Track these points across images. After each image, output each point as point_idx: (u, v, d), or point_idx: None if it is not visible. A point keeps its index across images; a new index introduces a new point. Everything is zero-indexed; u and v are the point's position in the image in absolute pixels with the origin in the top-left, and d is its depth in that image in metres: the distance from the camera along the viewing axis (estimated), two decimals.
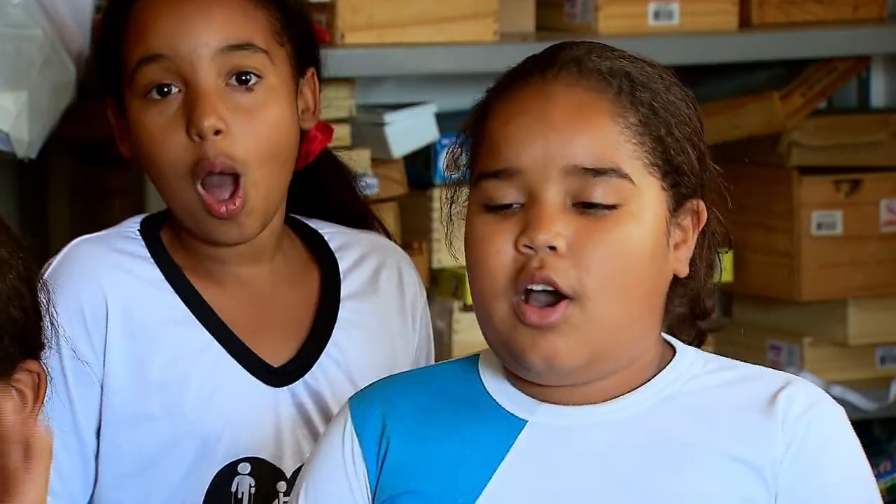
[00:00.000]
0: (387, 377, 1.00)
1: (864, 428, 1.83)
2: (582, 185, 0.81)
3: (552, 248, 0.79)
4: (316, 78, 1.15)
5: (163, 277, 1.12)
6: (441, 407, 0.95)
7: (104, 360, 1.12)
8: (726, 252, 1.00)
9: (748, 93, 1.82)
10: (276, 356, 1.11)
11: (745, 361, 1.74)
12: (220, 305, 1.13)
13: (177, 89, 1.06)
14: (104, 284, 1.13)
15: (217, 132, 1.04)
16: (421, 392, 0.96)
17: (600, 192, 0.79)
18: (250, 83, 1.08)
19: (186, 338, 1.12)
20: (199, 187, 1.04)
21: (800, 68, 1.79)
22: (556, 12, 1.75)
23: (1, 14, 1.60)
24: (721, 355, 1.68)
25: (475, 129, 0.87)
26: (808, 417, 0.82)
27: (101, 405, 1.13)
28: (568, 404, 0.86)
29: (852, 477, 0.85)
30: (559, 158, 0.80)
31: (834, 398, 1.60)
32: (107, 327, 1.11)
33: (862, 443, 1.63)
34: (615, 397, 0.86)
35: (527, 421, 0.88)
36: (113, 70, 1.11)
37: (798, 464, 0.83)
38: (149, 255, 1.14)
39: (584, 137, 0.82)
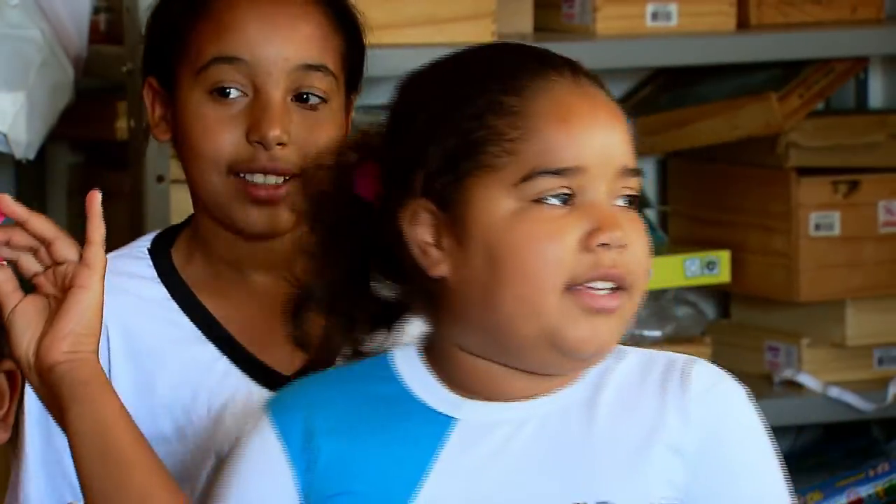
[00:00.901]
0: (300, 381, 0.98)
1: (863, 429, 1.91)
2: (624, 182, 0.86)
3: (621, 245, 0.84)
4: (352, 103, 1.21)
5: (168, 296, 1.14)
6: (365, 407, 0.95)
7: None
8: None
9: (746, 94, 1.82)
10: (288, 365, 1.07)
11: (744, 362, 1.68)
12: (228, 318, 1.14)
13: (244, 93, 1.11)
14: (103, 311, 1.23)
15: (279, 143, 1.08)
16: (343, 392, 0.97)
17: (635, 183, 0.85)
18: (315, 103, 1.12)
19: (193, 354, 1.13)
20: (241, 176, 1.09)
21: (797, 69, 1.79)
22: (555, 13, 1.76)
23: None
24: (720, 357, 1.74)
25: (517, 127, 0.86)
26: (714, 392, 0.87)
27: None
28: (492, 400, 0.88)
29: (755, 448, 0.89)
30: (617, 158, 0.84)
31: (832, 399, 1.63)
32: (109, 352, 1.11)
33: (859, 444, 1.65)
34: (543, 394, 0.89)
35: (457, 419, 0.90)
36: (169, 52, 1.11)
37: (706, 437, 0.87)
38: (155, 274, 1.15)
39: (624, 135, 0.85)
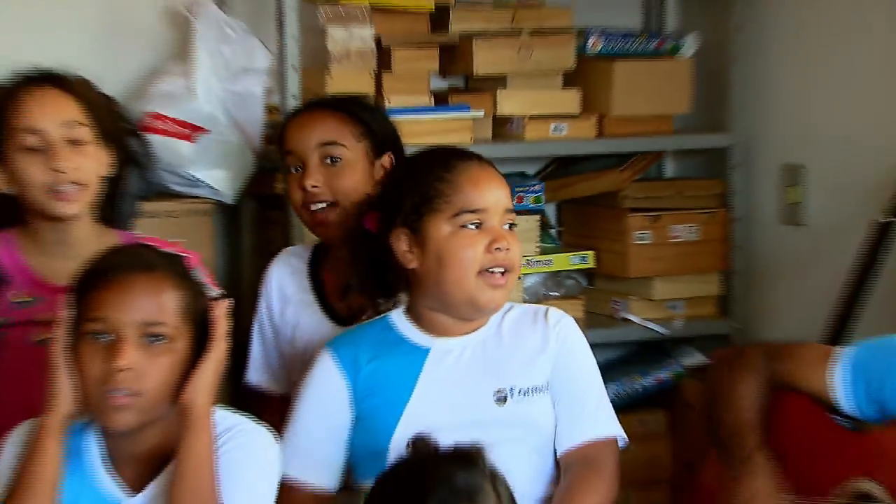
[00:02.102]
0: (344, 332, 1.49)
1: (658, 345, 2.44)
2: (508, 217, 1.35)
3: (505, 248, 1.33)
4: (392, 156, 1.66)
5: (307, 273, 1.73)
6: (380, 345, 1.41)
7: (271, 313, 1.76)
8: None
9: (603, 169, 2.41)
10: (345, 315, 1.65)
11: (602, 309, 2.41)
12: (329, 284, 1.70)
13: (300, 168, 1.66)
14: (272, 273, 1.77)
15: (314, 187, 1.64)
16: (369, 337, 1.43)
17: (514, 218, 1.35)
18: (337, 163, 1.66)
19: (307, 302, 1.71)
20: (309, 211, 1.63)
21: (629, 157, 2.39)
22: (502, 128, 2.30)
23: (217, 130, 2.17)
24: (589, 307, 2.38)
25: (431, 185, 1.31)
26: (562, 324, 1.42)
27: (275, 341, 1.74)
28: (447, 337, 1.39)
29: (585, 358, 1.44)
30: (504, 204, 1.34)
31: (646, 328, 2.33)
32: (273, 291, 1.74)
33: (655, 355, 2.43)
34: (473, 331, 1.39)
35: (430, 348, 1.38)
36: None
37: (560, 350, 1.41)
38: (305, 263, 1.74)
39: (507, 191, 1.36)
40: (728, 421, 1.54)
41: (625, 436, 1.52)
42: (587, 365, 1.48)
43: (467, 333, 1.43)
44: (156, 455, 1.26)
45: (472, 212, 1.36)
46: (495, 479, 1.08)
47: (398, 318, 1.45)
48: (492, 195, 1.38)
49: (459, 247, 1.35)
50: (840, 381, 1.50)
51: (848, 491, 1.51)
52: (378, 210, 1.43)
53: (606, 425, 1.47)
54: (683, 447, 2.27)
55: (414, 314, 1.44)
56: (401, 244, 1.38)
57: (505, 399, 1.43)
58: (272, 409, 1.70)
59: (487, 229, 1.37)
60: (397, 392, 1.43)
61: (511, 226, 1.39)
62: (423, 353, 1.42)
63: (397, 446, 1.38)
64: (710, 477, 1.62)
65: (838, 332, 2.01)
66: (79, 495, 1.24)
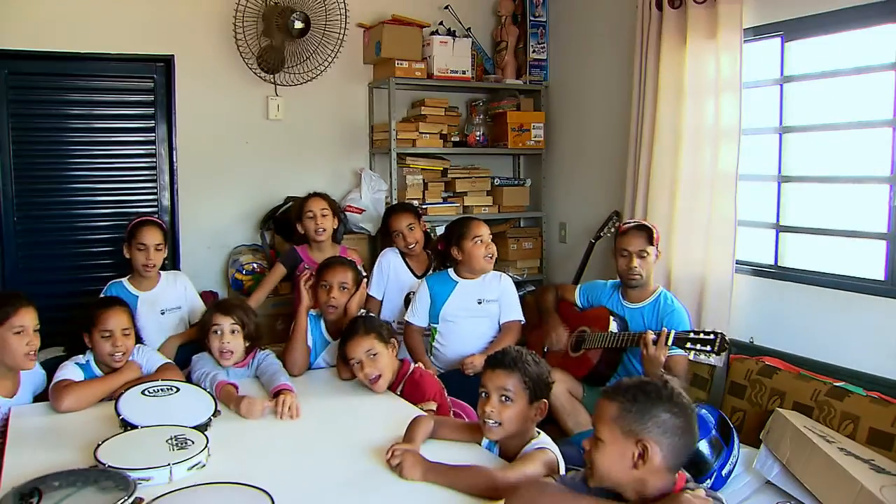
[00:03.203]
0: (430, 275, 4.28)
1: (520, 284, 5.86)
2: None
3: None
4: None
5: (402, 261, 4.48)
6: (443, 279, 4.17)
7: (386, 280, 4.53)
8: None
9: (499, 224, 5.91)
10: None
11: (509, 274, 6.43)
12: (411, 266, 4.46)
13: (403, 233, 4.42)
14: (384, 258, 4.54)
15: (416, 243, 4.44)
16: (437, 277, 4.22)
17: None
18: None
19: (400, 274, 4.47)
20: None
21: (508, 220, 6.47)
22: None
23: (368, 210, 5.19)
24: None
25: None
26: (504, 276, 4.26)
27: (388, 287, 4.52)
28: (465, 280, 4.15)
29: (511, 289, 4.20)
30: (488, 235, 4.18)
31: (517, 278, 5.89)
32: (389, 270, 4.49)
33: (519, 286, 6.63)
34: (474, 278, 4.17)
35: (458, 281, 4.13)
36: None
37: (501, 288, 4.23)
38: (398, 253, 4.49)
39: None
40: (543, 305, 4.14)
41: (522, 319, 3.81)
42: (512, 292, 3.90)
43: (472, 279, 3.75)
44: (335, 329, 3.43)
45: (478, 236, 3.80)
46: None
47: (450, 272, 3.81)
48: (486, 230, 3.80)
49: (475, 248, 3.76)
50: (578, 294, 4.13)
51: (576, 331, 4.06)
52: (443, 241, 3.75)
53: (516, 313, 3.86)
54: (526, 320, 4.31)
55: (456, 271, 3.75)
56: (453, 251, 3.66)
57: (481, 302, 3.82)
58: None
59: (484, 243, 3.76)
60: (443, 295, 3.82)
61: (491, 238, 3.60)
62: (455, 283, 3.84)
63: (442, 316, 3.74)
64: (534, 333, 4.22)
65: (578, 279, 4.94)
66: (315, 338, 3.32)
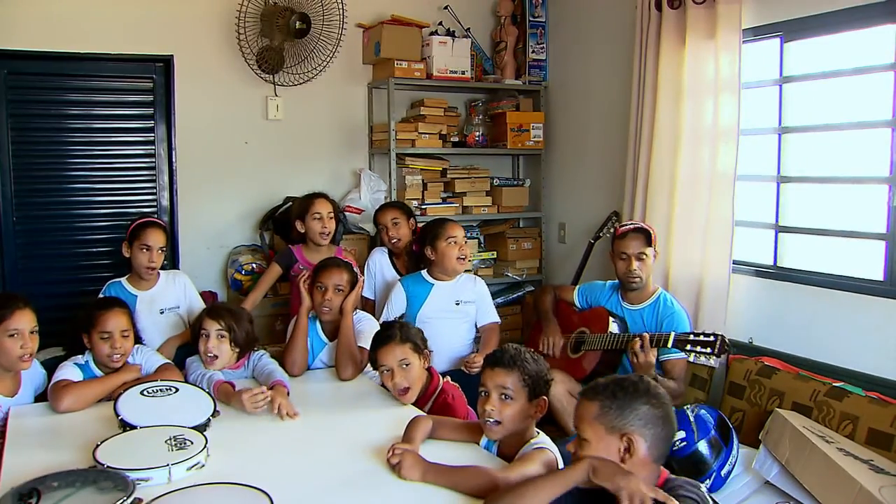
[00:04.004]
0: (405, 276, 4.35)
1: (518, 284, 6.08)
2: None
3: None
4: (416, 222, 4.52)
5: (388, 260, 4.61)
6: (417, 281, 4.26)
7: (374, 280, 4.62)
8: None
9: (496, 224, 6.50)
10: None
11: (500, 273, 6.69)
12: (398, 264, 4.61)
13: (388, 227, 4.55)
14: (372, 258, 4.66)
15: (398, 240, 4.55)
16: (412, 278, 4.31)
17: None
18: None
19: (386, 266, 4.60)
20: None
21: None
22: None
23: (366, 210, 5.35)
24: (496, 273, 6.26)
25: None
26: (478, 279, 4.45)
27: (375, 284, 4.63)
28: (440, 281, 4.25)
29: (485, 292, 4.43)
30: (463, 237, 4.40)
31: (515, 278, 6.27)
32: (378, 269, 4.62)
33: (516, 286, 6.66)
34: (448, 280, 4.27)
35: (433, 284, 4.23)
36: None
37: (478, 291, 4.40)
38: (385, 252, 4.61)
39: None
40: (540, 307, 4.22)
41: (499, 320, 4.03)
42: (487, 294, 4.06)
43: (447, 281, 3.89)
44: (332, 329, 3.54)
45: (453, 237, 3.91)
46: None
47: (424, 273, 3.93)
48: (460, 232, 3.92)
49: (449, 248, 3.90)
50: (577, 295, 4.20)
51: (576, 332, 4.07)
52: (418, 243, 3.90)
53: (494, 315, 4.04)
54: (525, 320, 5.25)
55: (430, 273, 3.87)
56: (427, 251, 3.80)
57: (459, 303, 3.98)
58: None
59: (458, 244, 3.89)
60: (421, 296, 3.93)
61: (466, 241, 3.72)
62: (431, 284, 3.96)
63: (420, 317, 3.80)
64: (534, 333, 4.22)
65: (577, 279, 4.98)
66: (313, 340, 3.41)
